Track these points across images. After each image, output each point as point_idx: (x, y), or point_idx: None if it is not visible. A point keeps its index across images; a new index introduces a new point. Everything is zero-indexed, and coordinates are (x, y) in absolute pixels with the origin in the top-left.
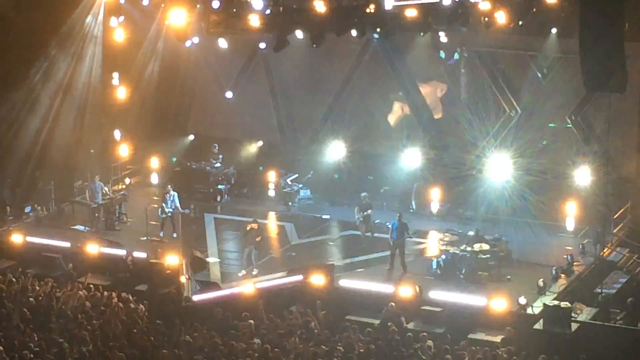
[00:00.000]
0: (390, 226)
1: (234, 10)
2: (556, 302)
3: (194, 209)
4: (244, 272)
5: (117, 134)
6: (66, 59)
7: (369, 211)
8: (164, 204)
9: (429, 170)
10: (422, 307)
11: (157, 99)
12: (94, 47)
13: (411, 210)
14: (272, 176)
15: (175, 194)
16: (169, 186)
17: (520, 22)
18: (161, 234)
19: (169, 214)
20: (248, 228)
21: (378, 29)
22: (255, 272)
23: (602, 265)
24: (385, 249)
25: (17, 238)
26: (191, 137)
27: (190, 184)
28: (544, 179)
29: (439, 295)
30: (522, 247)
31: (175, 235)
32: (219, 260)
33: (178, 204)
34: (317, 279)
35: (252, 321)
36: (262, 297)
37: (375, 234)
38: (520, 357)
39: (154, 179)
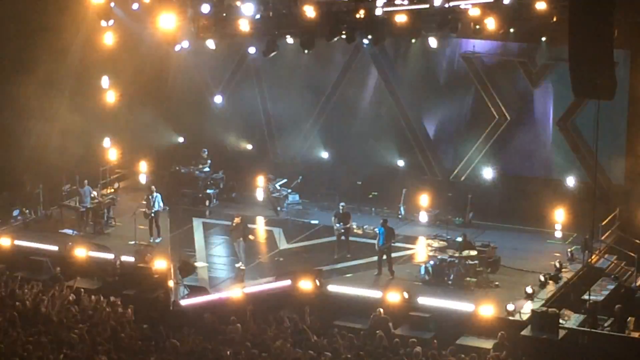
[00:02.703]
0: (377, 231)
1: (224, 14)
2: (544, 309)
3: (183, 211)
4: (240, 264)
5: (105, 137)
6: (55, 62)
7: (351, 223)
8: (146, 208)
9: (417, 175)
10: (410, 313)
11: (146, 103)
12: (82, 50)
13: (400, 216)
14: (260, 181)
15: (159, 195)
16: (153, 187)
17: (512, 29)
18: (150, 240)
19: (152, 215)
20: (234, 224)
21: (368, 35)
22: (240, 264)
23: (590, 272)
24: (373, 254)
25: (5, 241)
26: (181, 139)
27: (179, 188)
28: (533, 185)
29: (427, 301)
30: (510, 253)
31: (159, 239)
32: (207, 264)
33: (162, 204)
34: (305, 284)
35: (239, 325)
36: (250, 302)
37: (363, 240)
38: None
39: (143, 182)
